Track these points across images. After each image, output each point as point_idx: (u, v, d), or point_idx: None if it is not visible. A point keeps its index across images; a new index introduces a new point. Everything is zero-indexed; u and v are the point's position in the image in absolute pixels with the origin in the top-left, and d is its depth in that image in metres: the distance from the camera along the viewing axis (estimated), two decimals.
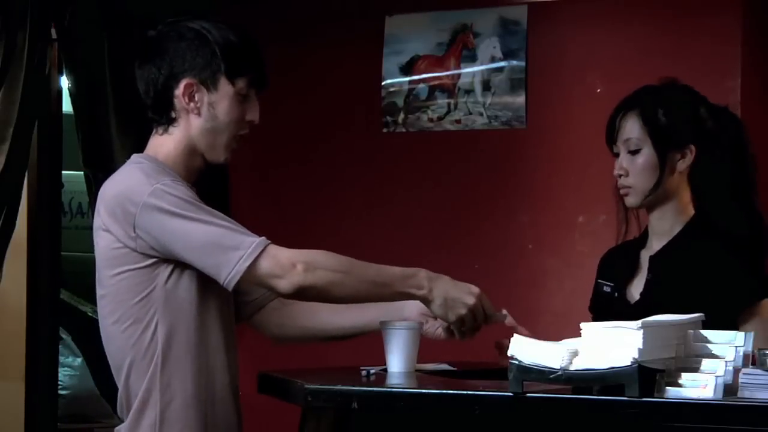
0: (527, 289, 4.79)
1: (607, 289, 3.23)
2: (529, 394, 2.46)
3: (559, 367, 2.42)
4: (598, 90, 4.61)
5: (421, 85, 4.90)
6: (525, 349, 2.47)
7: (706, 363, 2.40)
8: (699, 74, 4.45)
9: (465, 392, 2.57)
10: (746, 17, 4.42)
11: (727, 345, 2.42)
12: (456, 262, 4.84)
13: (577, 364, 2.42)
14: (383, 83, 4.95)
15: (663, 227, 3.17)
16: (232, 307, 2.96)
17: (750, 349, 2.44)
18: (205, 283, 2.82)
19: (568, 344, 2.46)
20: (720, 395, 2.34)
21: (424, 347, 3.03)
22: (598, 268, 3.34)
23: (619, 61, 4.60)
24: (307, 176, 5.14)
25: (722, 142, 3.14)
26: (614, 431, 2.46)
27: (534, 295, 4.78)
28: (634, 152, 3.12)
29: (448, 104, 4.86)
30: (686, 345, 2.45)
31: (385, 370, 2.97)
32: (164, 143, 2.92)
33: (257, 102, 2.93)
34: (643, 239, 3.24)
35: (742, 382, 2.36)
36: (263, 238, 2.77)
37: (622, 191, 3.17)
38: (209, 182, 5.16)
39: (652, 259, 3.16)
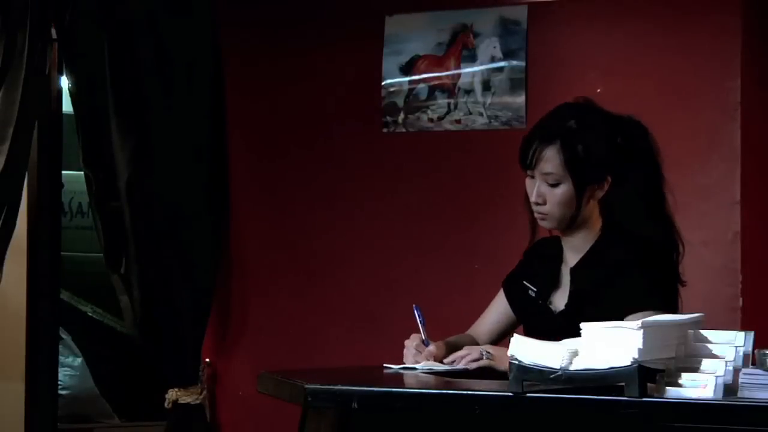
0: None
1: (531, 293, 3.25)
2: (529, 394, 2.46)
3: (559, 367, 2.42)
4: (598, 90, 4.59)
5: (421, 85, 4.89)
6: (525, 349, 2.47)
7: (706, 363, 2.40)
8: (699, 74, 4.46)
9: (465, 392, 2.57)
10: (746, 17, 4.41)
11: (727, 345, 2.42)
12: (456, 262, 4.84)
13: (577, 364, 2.43)
14: (383, 83, 4.95)
15: (575, 243, 3.22)
16: None
17: (750, 349, 2.44)
18: None
19: (568, 344, 2.46)
20: (720, 395, 2.34)
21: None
22: (526, 258, 3.38)
23: (619, 61, 4.59)
24: (307, 176, 5.13)
25: (634, 161, 3.17)
26: (614, 431, 2.46)
27: None
28: (553, 185, 3.15)
29: (448, 104, 4.85)
30: (686, 345, 2.45)
31: (406, 368, 3.04)
32: None
33: None
34: (560, 252, 3.26)
35: (742, 382, 2.36)
36: None
37: (537, 216, 3.21)
38: (209, 183, 5.20)
39: (572, 271, 3.19)
